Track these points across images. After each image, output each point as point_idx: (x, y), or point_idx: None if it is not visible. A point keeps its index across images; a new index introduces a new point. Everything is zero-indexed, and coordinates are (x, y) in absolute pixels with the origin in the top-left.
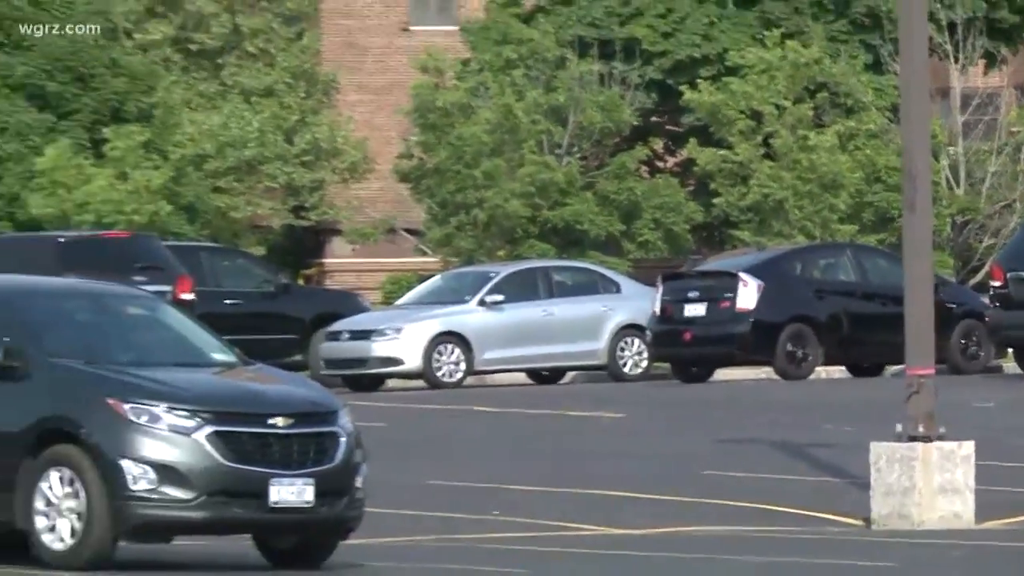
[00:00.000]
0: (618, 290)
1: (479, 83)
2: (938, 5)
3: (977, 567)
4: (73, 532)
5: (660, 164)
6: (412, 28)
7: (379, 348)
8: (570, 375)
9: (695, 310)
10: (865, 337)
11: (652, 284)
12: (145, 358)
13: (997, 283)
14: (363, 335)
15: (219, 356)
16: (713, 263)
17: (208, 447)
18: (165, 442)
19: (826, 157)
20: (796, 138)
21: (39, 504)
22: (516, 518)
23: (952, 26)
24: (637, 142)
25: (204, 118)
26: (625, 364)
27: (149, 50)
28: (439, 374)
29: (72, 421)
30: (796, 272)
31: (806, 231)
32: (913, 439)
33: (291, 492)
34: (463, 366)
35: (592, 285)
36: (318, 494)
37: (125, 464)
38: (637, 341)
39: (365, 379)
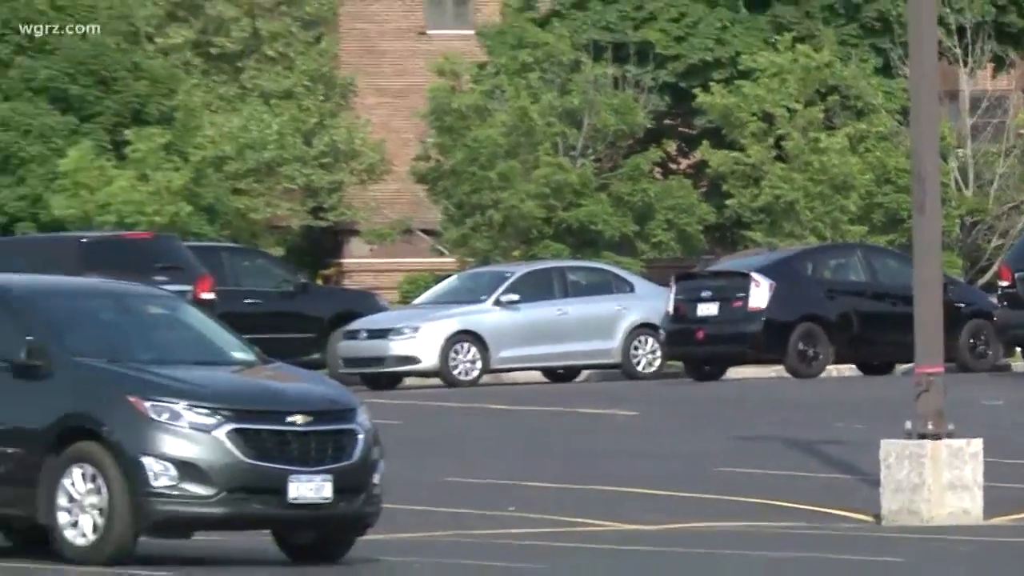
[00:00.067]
0: (632, 290)
1: (495, 86)
2: (947, 9)
3: (985, 562)
4: (95, 528)
5: (673, 166)
6: (429, 32)
7: (396, 347)
8: (584, 373)
9: (708, 309)
10: (875, 336)
11: (665, 284)
12: (166, 357)
13: (1005, 283)
14: (381, 334)
15: (239, 355)
16: (725, 263)
17: (228, 444)
18: (186, 439)
19: (837, 159)
20: (807, 140)
21: (61, 500)
22: (531, 514)
23: (961, 30)
24: (651, 144)
25: (224, 120)
26: (639, 363)
27: (170, 54)
28: (455, 372)
29: (94, 419)
30: (807, 272)
31: (817, 232)
32: (922, 436)
33: (310, 488)
34: (479, 365)
35: (606, 285)
36: (336, 490)
37: (146, 461)
38: (651, 340)
39: (382, 377)
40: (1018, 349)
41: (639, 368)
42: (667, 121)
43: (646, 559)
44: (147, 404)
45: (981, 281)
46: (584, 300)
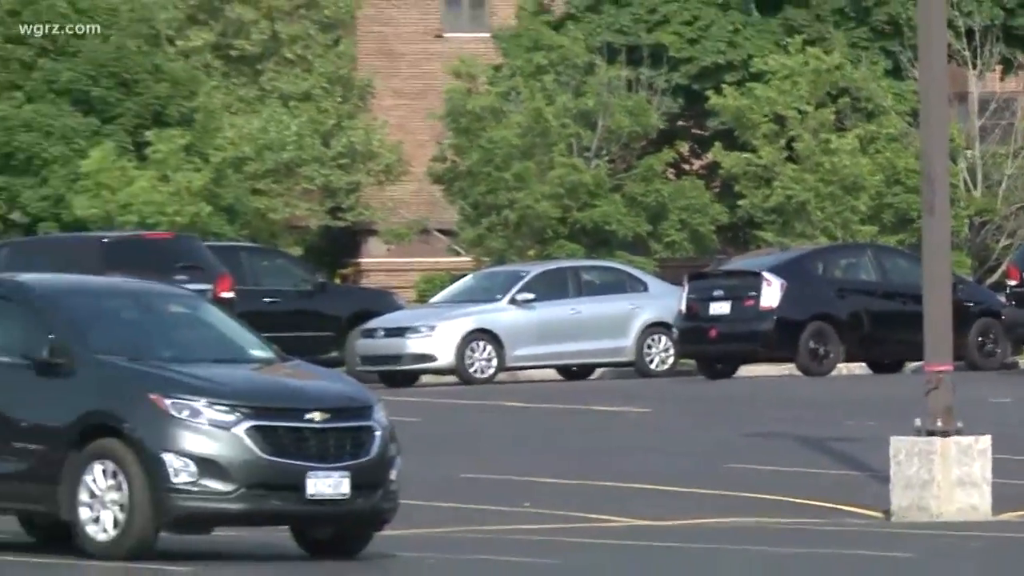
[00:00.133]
0: (645, 289)
1: (510, 88)
2: (956, 13)
3: (994, 558)
4: (116, 523)
5: (686, 167)
6: (446, 35)
7: (413, 345)
8: (598, 371)
9: (720, 308)
10: (885, 335)
11: (678, 283)
12: (186, 355)
13: (1013, 282)
14: (398, 332)
15: (258, 353)
16: (737, 263)
17: (247, 441)
18: (206, 436)
19: (847, 160)
20: (818, 141)
21: (83, 496)
22: (545, 510)
23: (970, 33)
24: (664, 145)
25: (244, 122)
26: (652, 361)
27: (190, 56)
28: (471, 370)
29: (116, 416)
30: (818, 272)
31: (828, 232)
32: (932, 434)
33: (328, 485)
34: (495, 363)
35: (620, 284)
36: (354, 486)
37: (167, 457)
38: (664, 338)
39: (399, 375)
40: None
41: (652, 366)
42: (680, 123)
43: (658, 554)
44: (168, 401)
45: (990, 280)
46: (598, 299)
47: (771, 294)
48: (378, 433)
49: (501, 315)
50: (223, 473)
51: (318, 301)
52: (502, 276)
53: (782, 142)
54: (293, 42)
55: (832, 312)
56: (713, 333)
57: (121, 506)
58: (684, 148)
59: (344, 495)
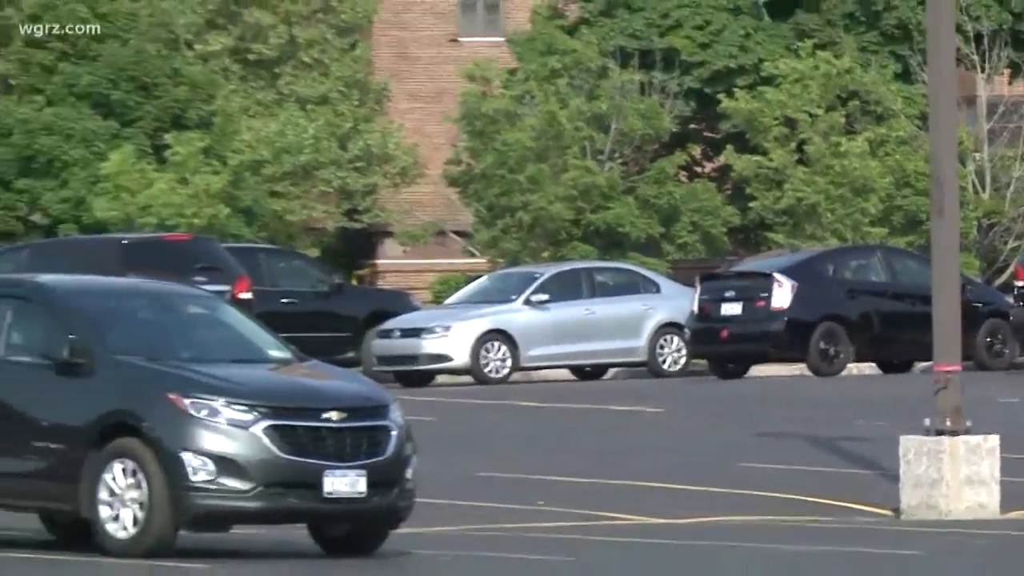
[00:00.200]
0: (658, 290)
1: (525, 91)
2: (965, 17)
3: (1001, 555)
4: (135, 521)
5: (698, 169)
6: (461, 39)
7: (429, 345)
8: (612, 371)
9: (732, 309)
10: (895, 335)
11: (691, 284)
12: (205, 355)
13: (1021, 283)
14: (413, 333)
15: (276, 353)
16: (749, 264)
17: (265, 440)
18: (224, 435)
19: (857, 163)
20: (828, 144)
21: (103, 494)
22: (559, 508)
23: (979, 37)
24: (676, 148)
25: (261, 125)
26: (664, 361)
27: (209, 60)
28: (486, 370)
29: (135, 415)
30: (828, 273)
31: (838, 234)
32: (941, 433)
33: (344, 483)
34: (509, 363)
35: (633, 285)
36: (370, 485)
37: (186, 456)
38: (676, 339)
39: (415, 375)
40: None
41: (665, 366)
42: (692, 126)
43: (670, 552)
44: (187, 401)
45: (998, 282)
46: (611, 300)
47: (782, 295)
48: (394, 432)
49: (516, 316)
50: (241, 472)
51: (335, 302)
52: (516, 277)
53: (793, 145)
54: (310, 46)
55: (842, 313)
56: (725, 334)
57: (140, 504)
58: (696, 151)
59: (361, 493)
